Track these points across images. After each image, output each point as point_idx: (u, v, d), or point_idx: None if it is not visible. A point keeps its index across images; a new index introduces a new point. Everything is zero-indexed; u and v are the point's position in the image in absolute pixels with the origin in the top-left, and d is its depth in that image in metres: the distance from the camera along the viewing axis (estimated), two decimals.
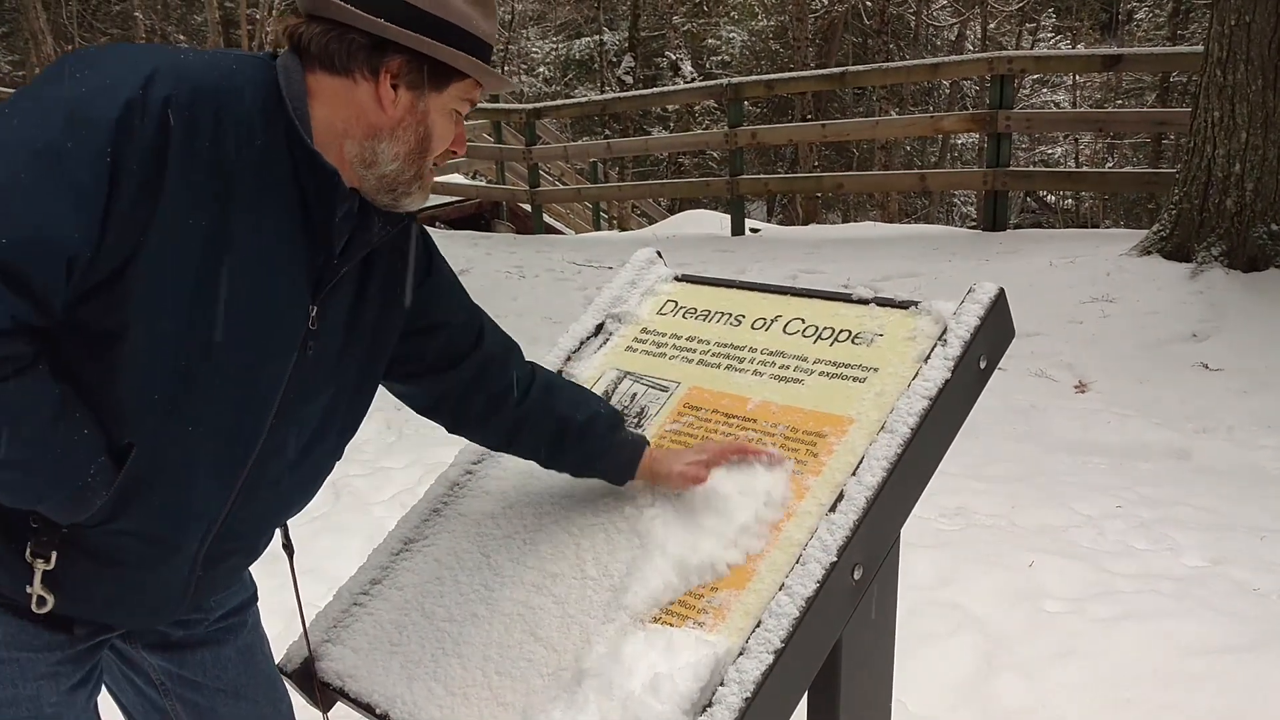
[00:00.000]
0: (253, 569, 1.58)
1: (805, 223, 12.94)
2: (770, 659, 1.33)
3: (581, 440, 1.62)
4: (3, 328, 1.08)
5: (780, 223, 15.19)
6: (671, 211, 13.85)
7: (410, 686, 1.56)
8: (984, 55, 8.82)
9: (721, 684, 1.34)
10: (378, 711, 1.55)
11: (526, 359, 1.66)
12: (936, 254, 7.21)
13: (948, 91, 19.51)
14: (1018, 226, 11.62)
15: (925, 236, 8.18)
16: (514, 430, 1.63)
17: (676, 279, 2.03)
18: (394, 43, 1.27)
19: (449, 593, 1.66)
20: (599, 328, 1.98)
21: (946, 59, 9.16)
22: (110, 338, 1.17)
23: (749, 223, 9.89)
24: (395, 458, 4.27)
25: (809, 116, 14.09)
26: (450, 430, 1.65)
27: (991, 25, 21.52)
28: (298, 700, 1.67)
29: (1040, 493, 3.72)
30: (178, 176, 1.15)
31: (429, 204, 12.23)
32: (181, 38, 22.15)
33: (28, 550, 1.24)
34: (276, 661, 1.66)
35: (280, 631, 1.70)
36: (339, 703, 1.64)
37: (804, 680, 1.40)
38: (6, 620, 1.28)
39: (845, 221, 15.65)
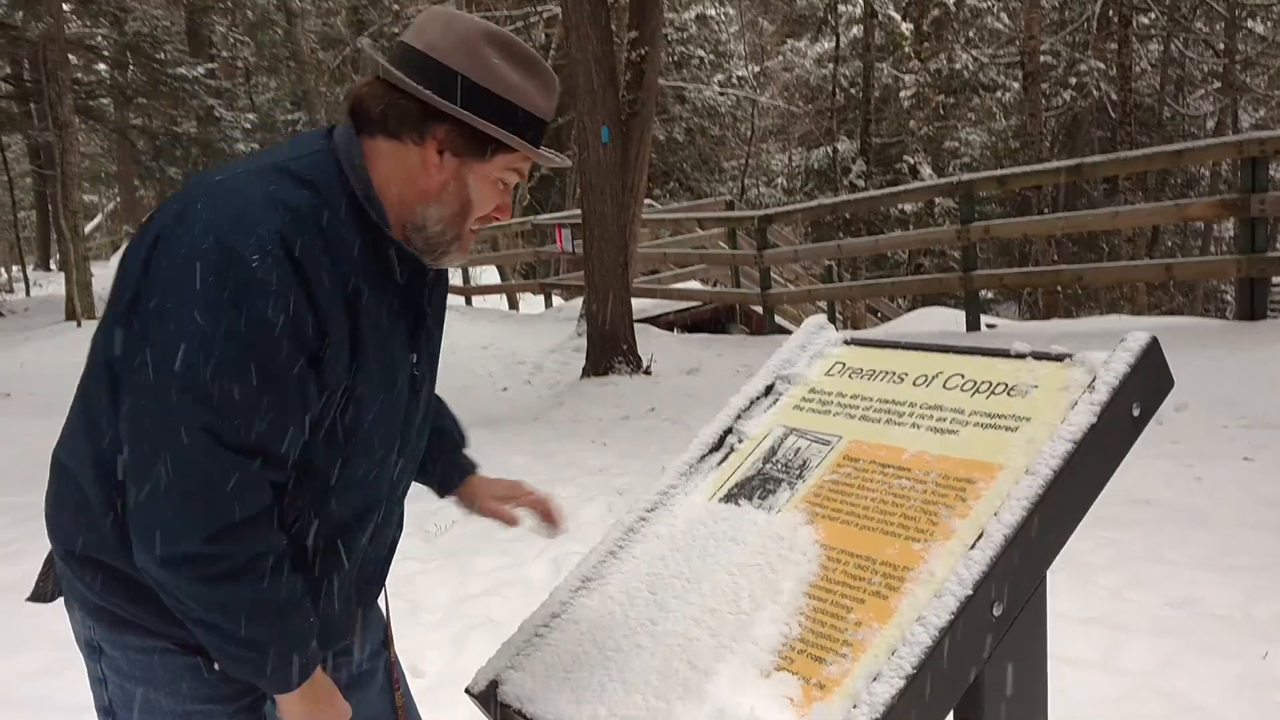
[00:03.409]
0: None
1: (1046, 317, 12.49)
2: (902, 684, 1.38)
3: (430, 451, 1.75)
4: (267, 502, 1.31)
5: (1028, 320, 14.71)
6: (911, 310, 13.71)
7: (579, 709, 1.69)
8: (1232, 139, 8.38)
9: (855, 707, 1.40)
10: None
11: None
12: (1184, 346, 6.82)
13: (1208, 181, 18.44)
14: None
15: (1173, 328, 7.76)
16: None
17: (846, 342, 2.12)
18: (443, 111, 1.36)
19: (619, 626, 1.79)
20: (769, 389, 2.09)
21: (1190, 144, 8.77)
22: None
23: (985, 319, 9.69)
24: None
25: (1045, 213, 13.70)
26: None
27: (1260, 113, 20.28)
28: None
29: None
30: (320, 300, 1.31)
31: (667, 309, 12.72)
32: None
33: None
34: (466, 685, 1.83)
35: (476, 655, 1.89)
36: None
37: (939, 711, 1.43)
38: (191, 672, 1.44)
39: (1103, 316, 14.95)
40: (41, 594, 1.58)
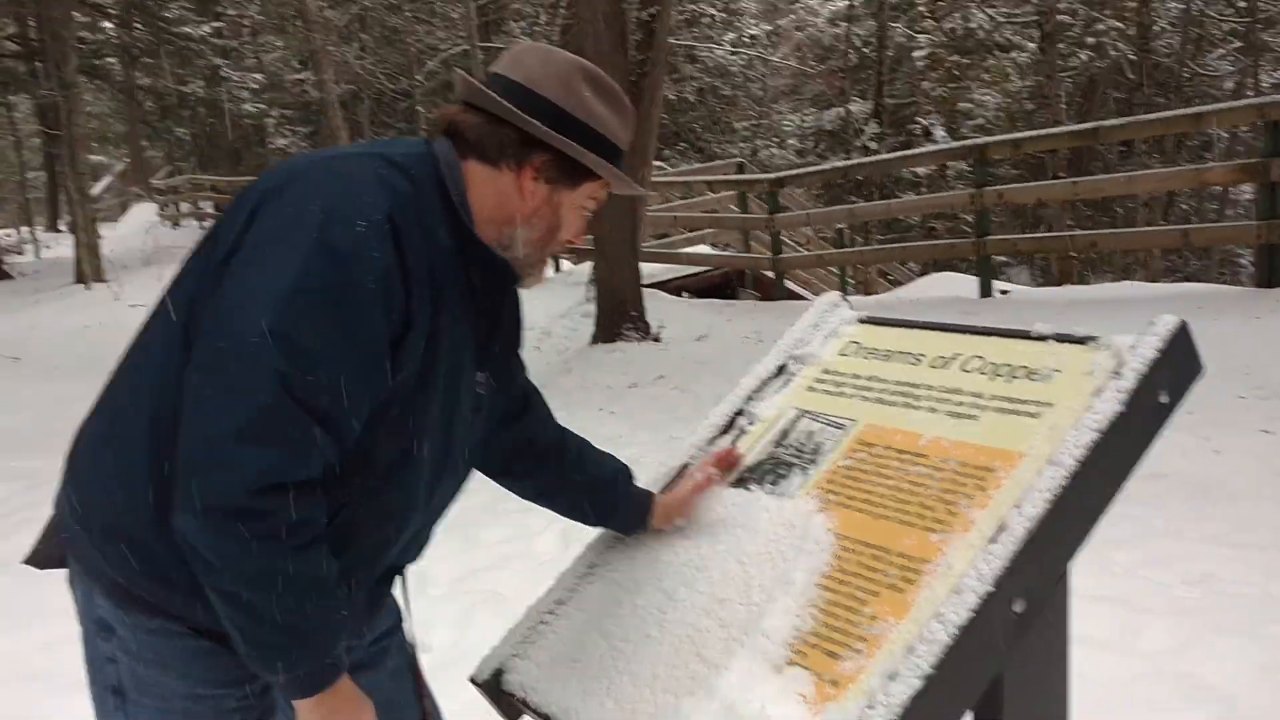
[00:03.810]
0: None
1: (1060, 283, 12.38)
2: (919, 684, 1.33)
3: (605, 498, 1.79)
4: (317, 474, 1.26)
5: (1039, 286, 14.58)
6: (923, 276, 13.59)
7: (585, 701, 1.65)
8: (1253, 101, 8.25)
9: (870, 707, 1.35)
10: None
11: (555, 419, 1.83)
12: (1201, 313, 6.73)
13: (1226, 145, 18.16)
14: None
15: (1189, 295, 7.67)
16: (549, 488, 1.80)
17: (860, 321, 2.06)
18: (541, 140, 1.42)
19: (626, 615, 1.74)
20: (781, 369, 2.03)
21: (1210, 107, 8.61)
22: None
23: (998, 285, 9.59)
24: None
25: (1059, 176, 13.51)
26: (489, 477, 1.78)
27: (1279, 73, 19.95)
28: (487, 710, 1.80)
29: None
30: (412, 284, 1.32)
31: (677, 274, 12.62)
32: None
33: None
34: (470, 674, 1.80)
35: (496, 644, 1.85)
36: (524, 714, 1.75)
37: (957, 711, 1.39)
38: (203, 656, 1.42)
39: (1117, 282, 14.82)
40: (38, 559, 1.54)
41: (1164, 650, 2.82)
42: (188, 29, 17.40)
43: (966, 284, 10.18)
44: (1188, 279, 16.40)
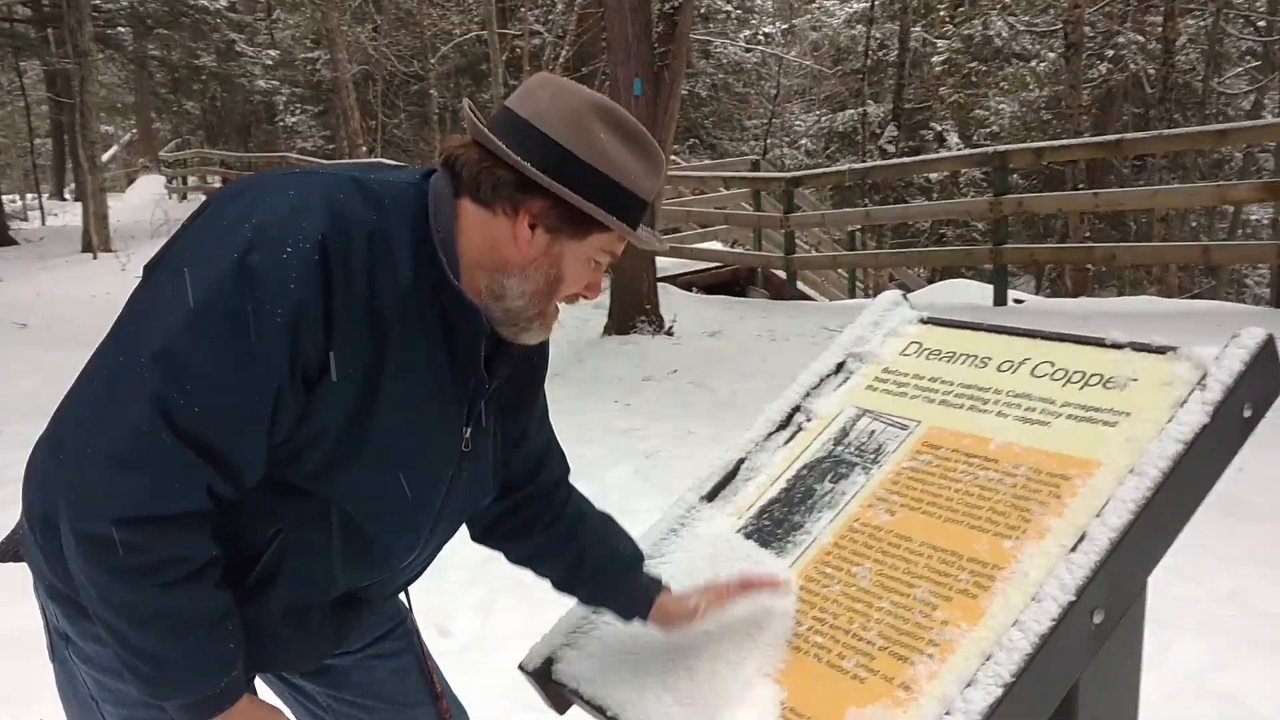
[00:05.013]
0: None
1: (1074, 296, 12.36)
2: (999, 692, 1.31)
3: (595, 577, 1.66)
4: (199, 507, 1.17)
5: (1048, 297, 14.55)
6: (931, 283, 13.56)
7: (641, 694, 1.62)
8: None
9: (948, 714, 1.32)
10: (609, 714, 1.62)
11: (568, 483, 1.70)
12: (1219, 331, 6.68)
13: (1240, 163, 18.14)
14: None
15: (1205, 313, 7.64)
16: (534, 555, 1.68)
17: (922, 321, 2.03)
18: (540, 184, 1.27)
19: None
20: (839, 366, 2.00)
21: (1236, 125, 8.59)
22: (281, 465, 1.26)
23: (1012, 294, 9.56)
24: (642, 500, 4.40)
25: (1079, 188, 13.47)
26: (473, 538, 1.69)
27: None
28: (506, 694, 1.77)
29: None
30: (341, 322, 1.20)
31: (687, 269, 12.58)
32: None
33: None
34: (520, 661, 1.77)
35: (519, 630, 1.81)
36: (574, 705, 1.72)
37: None
38: None
39: (1121, 297, 14.79)
40: (2, 552, 1.47)
41: (1198, 668, 2.80)
42: (203, 1, 17.32)
43: (979, 291, 10.17)
44: (1196, 297, 16.38)
